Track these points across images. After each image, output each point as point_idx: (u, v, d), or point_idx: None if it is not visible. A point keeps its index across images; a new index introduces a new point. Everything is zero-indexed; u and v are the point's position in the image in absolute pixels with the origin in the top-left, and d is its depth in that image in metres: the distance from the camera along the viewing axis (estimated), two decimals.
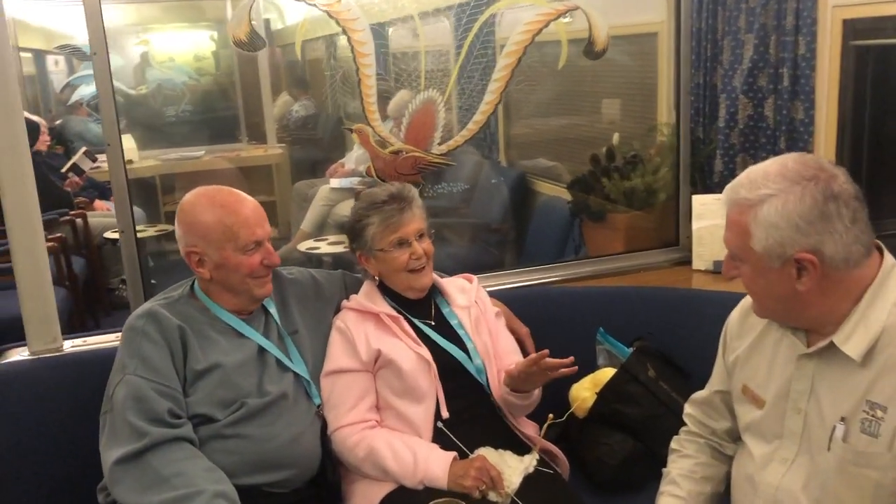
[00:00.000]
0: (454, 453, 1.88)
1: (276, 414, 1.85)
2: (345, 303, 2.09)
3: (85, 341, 2.20)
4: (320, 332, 2.05)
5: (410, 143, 2.50)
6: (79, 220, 4.93)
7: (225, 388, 1.81)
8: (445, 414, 1.95)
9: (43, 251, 2.11)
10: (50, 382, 2.06)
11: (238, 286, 1.87)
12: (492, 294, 2.26)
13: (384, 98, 2.54)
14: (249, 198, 1.90)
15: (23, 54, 7.35)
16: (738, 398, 1.61)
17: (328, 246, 3.75)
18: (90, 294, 4.83)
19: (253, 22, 2.25)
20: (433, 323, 2.06)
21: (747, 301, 1.64)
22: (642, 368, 2.12)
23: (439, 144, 2.53)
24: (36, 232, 2.08)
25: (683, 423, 1.93)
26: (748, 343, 1.60)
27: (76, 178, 5.47)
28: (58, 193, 5.10)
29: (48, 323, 2.13)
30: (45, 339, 2.12)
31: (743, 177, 1.43)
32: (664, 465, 1.82)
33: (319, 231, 3.96)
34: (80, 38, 3.69)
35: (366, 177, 2.62)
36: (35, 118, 5.49)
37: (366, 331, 2.00)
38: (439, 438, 1.93)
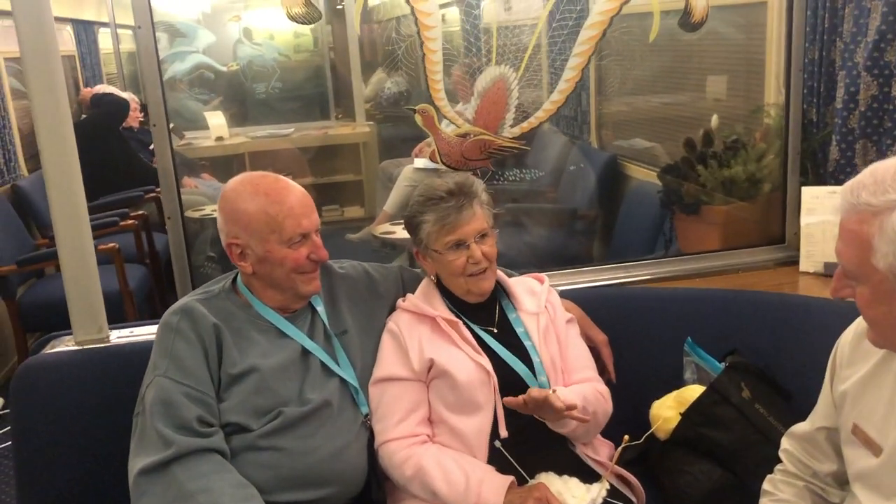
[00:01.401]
0: (511, 478, 1.67)
1: (318, 424, 1.69)
2: (400, 302, 1.90)
3: (131, 332, 2.11)
4: (372, 334, 1.88)
5: (479, 124, 2.28)
6: (163, 195, 4.95)
7: (261, 394, 1.66)
8: (504, 433, 1.74)
9: (88, 238, 2.01)
10: (94, 374, 1.96)
11: (282, 282, 1.72)
12: (568, 294, 2.03)
13: (470, 75, 2.32)
14: (297, 186, 1.74)
15: (122, 31, 7.49)
16: (847, 439, 1.33)
17: (403, 231, 3.58)
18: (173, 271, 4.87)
19: None
20: (495, 330, 1.85)
21: (863, 322, 1.35)
22: (735, 388, 1.85)
23: (512, 126, 2.30)
24: (81, 218, 1.98)
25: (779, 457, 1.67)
26: (862, 374, 1.32)
27: None
28: (144, 170, 5.15)
29: (94, 313, 2.04)
30: (91, 330, 2.04)
31: (866, 176, 1.15)
32: (756, 500, 1.58)
33: (403, 212, 3.82)
34: (180, 13, 3.66)
35: None
36: (124, 95, 5.55)
37: (420, 336, 1.81)
38: (496, 460, 1.73)
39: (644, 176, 3.40)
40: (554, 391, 1.61)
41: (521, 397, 1.61)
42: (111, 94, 5.41)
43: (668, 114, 3.43)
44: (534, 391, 1.58)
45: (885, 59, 2.24)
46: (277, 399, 1.67)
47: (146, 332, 2.06)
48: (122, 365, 1.94)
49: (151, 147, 5.53)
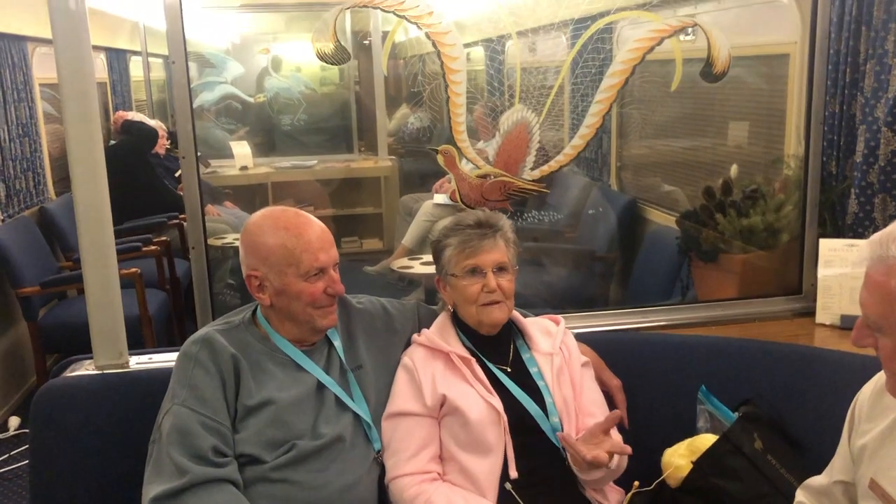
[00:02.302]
0: None
1: (330, 458, 1.70)
2: (415, 337, 1.92)
3: (151, 359, 2.13)
4: (387, 369, 1.90)
5: (500, 166, 2.31)
6: (187, 224, 5.01)
7: (276, 426, 1.68)
8: (514, 473, 1.75)
9: (114, 265, 2.05)
10: (113, 399, 1.99)
11: (299, 315, 1.74)
12: (583, 337, 2.04)
13: (492, 114, 2.37)
14: (317, 221, 1.78)
15: (153, 60, 7.65)
16: (864, 494, 1.33)
17: (421, 266, 3.61)
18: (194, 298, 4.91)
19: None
20: (509, 369, 1.87)
21: (883, 376, 1.36)
22: (748, 438, 1.84)
23: (532, 169, 2.33)
24: (107, 245, 2.01)
25: None
26: (881, 428, 1.32)
27: None
28: (170, 196, 5.23)
29: (115, 338, 2.07)
30: (111, 355, 2.06)
31: (894, 229, 1.16)
32: None
33: (420, 248, 3.88)
34: (210, 44, 3.75)
35: None
36: (152, 122, 5.65)
37: (433, 371, 1.83)
38: (505, 501, 1.73)
39: (663, 220, 3.42)
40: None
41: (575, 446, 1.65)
42: (141, 123, 5.52)
43: (687, 159, 3.46)
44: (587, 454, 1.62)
45: None
46: (291, 432, 1.68)
47: (165, 360, 2.09)
48: (140, 391, 1.97)
49: (177, 174, 5.65)
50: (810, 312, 2.38)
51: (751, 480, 1.81)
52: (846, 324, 2.27)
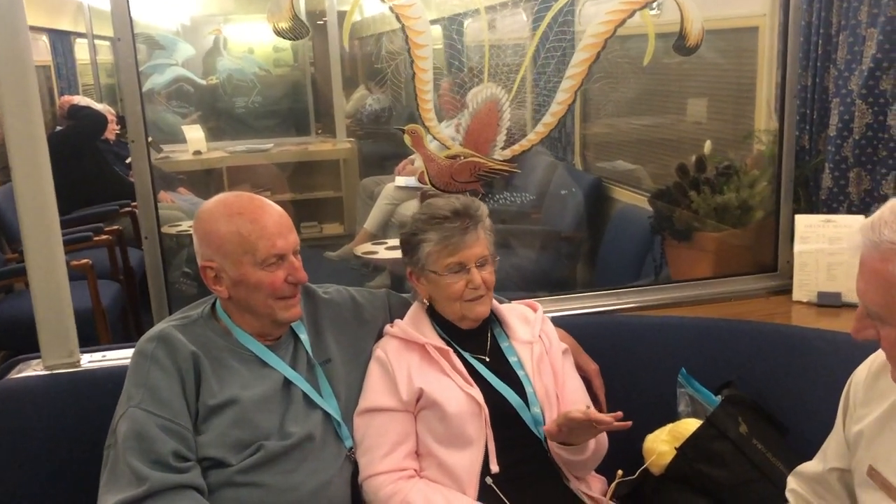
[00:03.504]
0: None
1: (300, 459, 1.61)
2: (388, 328, 1.83)
3: (104, 356, 2.02)
4: (358, 362, 1.80)
5: (470, 146, 2.21)
6: (139, 212, 4.84)
7: (241, 427, 1.58)
8: (495, 468, 1.67)
9: (60, 257, 1.92)
10: (64, 401, 1.87)
11: (259, 308, 1.63)
12: (557, 322, 1.97)
13: (458, 90, 2.26)
14: (274, 205, 1.67)
15: (99, 42, 7.38)
16: (862, 482, 1.28)
17: (386, 251, 3.51)
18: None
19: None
20: (487, 359, 1.79)
21: (878, 358, 1.30)
22: (732, 423, 1.79)
23: (503, 149, 2.24)
24: (53, 237, 1.88)
25: (780, 493, 1.60)
26: (879, 413, 1.27)
27: None
28: (120, 184, 5.03)
29: (64, 336, 1.95)
30: (61, 354, 1.95)
31: (886, 213, 1.10)
32: None
33: (383, 231, 3.79)
34: (160, 25, 3.61)
35: None
36: (100, 107, 5.44)
37: (409, 364, 1.74)
38: (486, 496, 1.66)
39: (630, 199, 3.36)
40: (588, 407, 1.58)
41: (554, 423, 1.58)
42: (88, 108, 5.30)
43: (651, 137, 3.41)
44: (573, 413, 1.56)
45: (881, 87, 2.22)
46: (258, 432, 1.59)
47: (120, 357, 1.98)
48: (93, 392, 1.85)
49: (128, 160, 5.44)
50: (786, 290, 2.34)
51: (737, 466, 1.76)
52: (823, 300, 2.24)
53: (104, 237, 4.13)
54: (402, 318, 1.84)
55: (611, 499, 1.68)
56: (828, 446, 1.39)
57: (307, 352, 1.73)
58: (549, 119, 2.20)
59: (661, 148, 3.39)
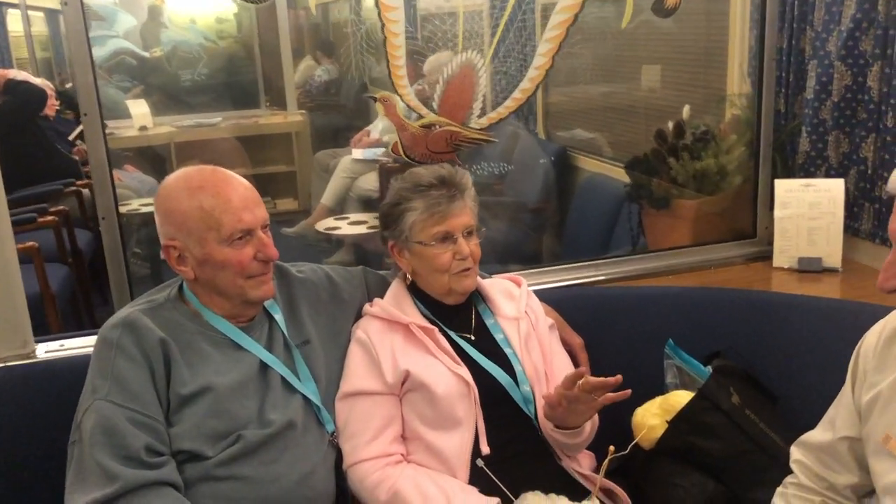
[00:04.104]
0: (496, 500, 1.53)
1: (281, 448, 1.52)
2: (367, 308, 1.74)
3: (61, 345, 1.89)
4: (336, 344, 1.71)
5: (445, 114, 2.11)
6: (86, 191, 4.64)
7: (217, 416, 1.48)
8: (486, 449, 1.61)
9: (10, 241, 1.78)
10: (18, 395, 1.74)
11: (228, 288, 1.53)
12: (537, 295, 1.90)
13: (415, 60, 2.16)
14: (240, 178, 1.56)
15: (33, 13, 7.04)
16: (875, 450, 1.24)
17: (349, 226, 3.41)
18: (99, 271, 4.56)
19: None
20: (473, 337, 1.71)
21: (889, 324, 1.26)
22: (724, 394, 1.75)
23: (479, 117, 2.14)
24: (3, 222, 1.74)
25: (775, 463, 1.57)
26: (893, 379, 1.22)
27: (84, 146, 5.17)
28: (64, 162, 4.81)
29: (17, 324, 1.82)
30: (14, 344, 1.82)
31: None
32: None
33: (341, 206, 3.69)
34: None
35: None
36: (39, 82, 5.18)
37: (392, 345, 1.65)
38: (477, 478, 1.59)
39: (596, 168, 3.31)
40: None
41: (554, 396, 1.51)
42: (26, 82, 5.03)
43: (616, 103, 3.34)
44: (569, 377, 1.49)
45: (861, 48, 2.18)
46: (235, 422, 1.49)
47: (79, 346, 1.86)
48: (52, 384, 1.73)
49: (70, 137, 5.20)
50: (766, 256, 2.31)
51: (730, 437, 1.72)
52: (804, 266, 2.22)
53: (49, 218, 3.94)
54: (380, 296, 1.76)
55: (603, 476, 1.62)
56: (836, 415, 1.35)
57: (283, 333, 1.63)
58: (527, 85, 2.11)
59: (627, 115, 3.33)
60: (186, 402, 1.46)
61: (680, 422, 1.74)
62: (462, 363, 1.64)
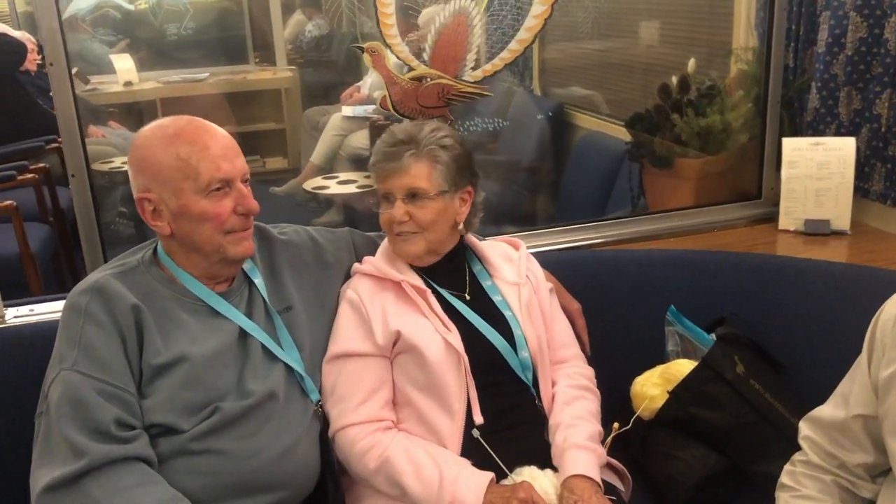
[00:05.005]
0: (491, 475, 1.46)
1: (262, 420, 1.43)
2: (357, 266, 1.65)
3: (32, 310, 1.81)
4: (322, 308, 1.62)
5: (437, 66, 1.99)
6: (65, 149, 4.51)
7: (192, 387, 1.39)
8: (479, 419, 1.53)
9: None
10: None
11: (205, 244, 1.43)
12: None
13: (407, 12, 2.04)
14: (218, 128, 1.46)
15: None
16: (893, 429, 1.16)
17: (338, 185, 3.31)
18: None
19: None
20: (468, 297, 1.62)
21: None
22: (728, 363, 1.67)
23: (473, 69, 2.02)
24: None
25: (780, 435, 1.50)
26: None
27: None
28: (45, 118, 4.65)
29: None
30: None
31: None
32: (754, 485, 1.49)
33: (331, 164, 3.60)
34: None
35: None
36: (18, 35, 5.00)
37: (383, 304, 1.57)
38: (471, 450, 1.51)
39: (594, 126, 3.20)
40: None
41: None
42: (4, 35, 4.87)
43: (614, 59, 3.23)
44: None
45: None
46: (212, 393, 1.40)
47: (51, 311, 1.78)
48: (21, 351, 1.64)
49: (52, 93, 5.05)
50: (771, 218, 2.23)
51: (733, 408, 1.65)
52: (811, 229, 2.13)
53: (30, 176, 3.82)
54: (371, 255, 1.66)
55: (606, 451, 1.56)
56: (849, 391, 1.26)
57: (263, 299, 1.53)
58: (525, 35, 1.99)
59: (625, 72, 3.21)
60: (160, 373, 1.38)
61: (682, 392, 1.66)
62: (454, 327, 1.55)
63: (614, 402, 1.75)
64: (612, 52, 3.20)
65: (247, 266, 1.55)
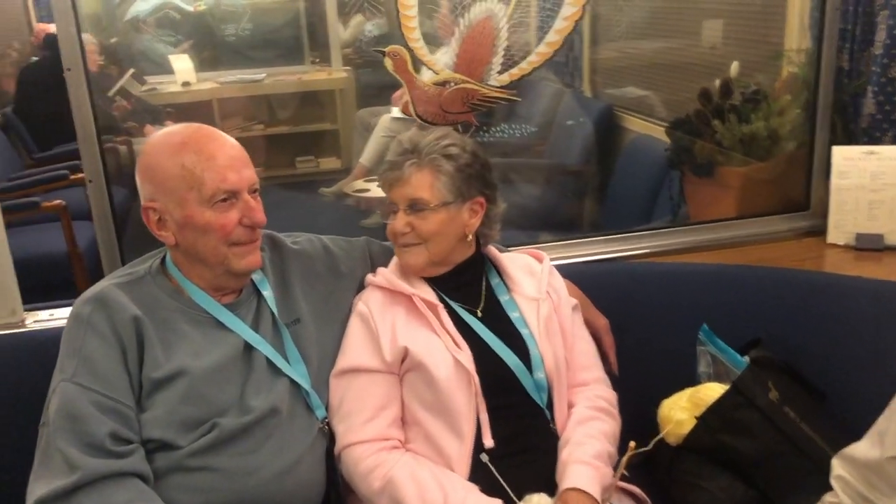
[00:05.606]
0: (499, 502, 1.39)
1: (262, 437, 1.40)
2: (370, 277, 1.60)
3: (52, 315, 1.81)
4: (332, 321, 1.58)
5: (462, 71, 1.92)
6: (122, 148, 4.60)
7: (191, 402, 1.36)
8: (489, 442, 1.46)
9: None
10: (5, 366, 1.66)
11: (209, 256, 1.40)
12: (561, 270, 1.73)
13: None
14: (228, 137, 1.43)
15: None
16: None
17: (379, 188, 3.26)
18: (136, 229, 4.55)
19: None
20: (480, 314, 1.55)
21: None
22: (761, 389, 1.56)
23: (499, 73, 1.95)
24: None
25: (815, 468, 1.39)
26: None
27: (124, 103, 5.13)
28: (100, 118, 4.76)
29: (5, 291, 1.74)
30: (2, 311, 1.77)
31: None
32: None
33: (381, 166, 3.55)
34: None
35: None
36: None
37: (394, 319, 1.52)
38: (479, 474, 1.44)
39: (643, 129, 3.09)
40: None
41: None
42: None
43: (667, 60, 3.12)
44: None
45: None
46: (211, 408, 1.37)
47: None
48: (39, 356, 1.59)
49: (109, 93, 5.16)
50: (819, 231, 2.09)
51: (765, 437, 1.54)
52: (862, 243, 2.00)
53: (80, 175, 3.89)
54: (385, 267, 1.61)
55: (622, 474, 1.47)
56: (886, 429, 1.15)
57: (272, 311, 1.50)
58: (554, 38, 1.90)
59: (678, 72, 3.10)
60: (159, 387, 1.35)
61: (710, 417, 1.56)
62: (465, 345, 1.48)
63: (642, 426, 1.66)
64: (665, 52, 3.09)
65: (256, 277, 1.52)
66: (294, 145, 4.27)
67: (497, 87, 1.94)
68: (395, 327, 1.50)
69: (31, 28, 5.78)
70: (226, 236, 1.38)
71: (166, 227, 1.40)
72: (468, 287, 1.59)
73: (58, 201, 3.41)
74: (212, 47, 4.12)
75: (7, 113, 4.37)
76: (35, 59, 5.14)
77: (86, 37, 5.52)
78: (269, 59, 4.39)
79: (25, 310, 1.78)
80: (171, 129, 1.43)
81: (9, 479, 1.56)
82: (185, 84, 3.92)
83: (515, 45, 1.92)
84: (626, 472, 1.47)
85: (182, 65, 3.92)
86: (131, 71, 5.33)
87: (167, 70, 3.84)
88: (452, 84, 1.92)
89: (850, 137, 2.19)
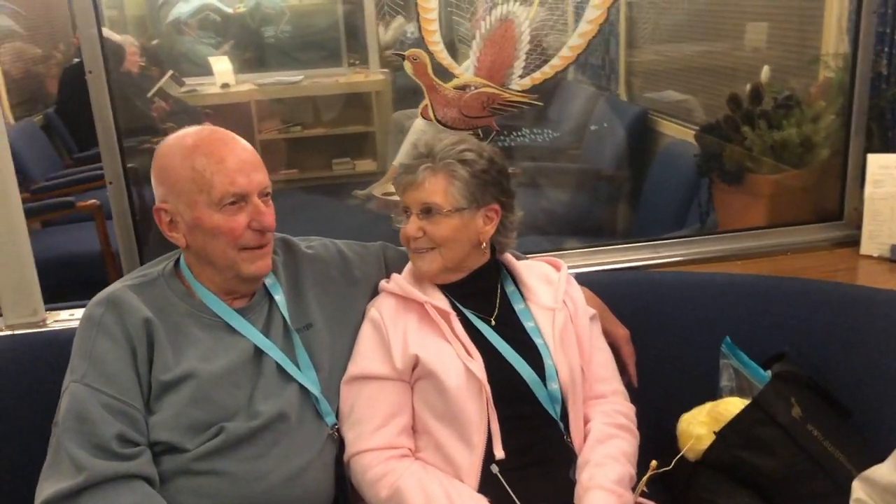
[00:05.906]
0: None
1: (270, 442, 1.39)
2: (383, 284, 1.59)
3: (72, 314, 1.83)
4: (345, 327, 1.57)
5: (482, 74, 1.90)
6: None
7: (199, 406, 1.36)
8: (500, 453, 1.43)
9: (17, 206, 1.72)
10: (25, 364, 1.68)
11: (218, 258, 1.40)
12: (583, 279, 1.70)
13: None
14: (241, 141, 1.43)
15: None
16: None
17: None
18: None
19: None
20: (494, 322, 1.53)
21: None
22: (783, 405, 1.51)
23: (521, 77, 1.92)
24: (6, 182, 1.67)
25: (839, 489, 1.34)
26: None
27: (163, 104, 5.22)
28: (140, 119, 4.84)
29: (27, 291, 1.77)
30: (23, 311, 1.78)
31: None
32: None
33: None
34: None
35: None
36: (118, 38, 5.22)
37: (405, 326, 1.50)
38: (489, 487, 1.42)
39: (678, 133, 3.04)
40: None
41: None
42: (105, 39, 5.09)
43: (704, 64, 3.05)
44: None
45: None
46: (219, 412, 1.37)
47: None
48: (59, 356, 1.59)
49: (149, 94, 5.24)
50: (853, 242, 2.03)
51: (786, 455, 1.49)
52: None
53: None
54: (399, 273, 1.60)
55: (640, 493, 1.43)
56: None
57: (283, 316, 1.49)
58: (577, 41, 1.87)
59: (716, 76, 3.03)
60: (168, 389, 1.35)
61: (729, 433, 1.52)
62: (477, 354, 1.46)
63: (660, 440, 1.62)
64: (703, 55, 3.03)
65: (268, 281, 1.51)
66: (331, 147, 4.27)
67: (519, 92, 1.92)
68: (407, 334, 1.49)
69: (74, 29, 5.91)
70: (234, 240, 1.38)
71: (177, 228, 1.41)
72: (482, 295, 1.57)
73: (92, 201, 3.46)
74: (251, 49, 4.16)
75: (49, 113, 4.47)
76: (77, 60, 5.25)
77: (127, 38, 5.61)
78: (308, 60, 4.42)
79: (46, 310, 1.80)
80: (185, 132, 1.43)
81: (30, 477, 1.59)
82: (224, 86, 3.96)
83: (538, 48, 1.89)
84: (645, 489, 1.44)
85: (221, 66, 3.95)
86: (170, 72, 5.42)
87: (208, 71, 3.88)
88: (472, 88, 1.90)
89: (887, 145, 2.12)
